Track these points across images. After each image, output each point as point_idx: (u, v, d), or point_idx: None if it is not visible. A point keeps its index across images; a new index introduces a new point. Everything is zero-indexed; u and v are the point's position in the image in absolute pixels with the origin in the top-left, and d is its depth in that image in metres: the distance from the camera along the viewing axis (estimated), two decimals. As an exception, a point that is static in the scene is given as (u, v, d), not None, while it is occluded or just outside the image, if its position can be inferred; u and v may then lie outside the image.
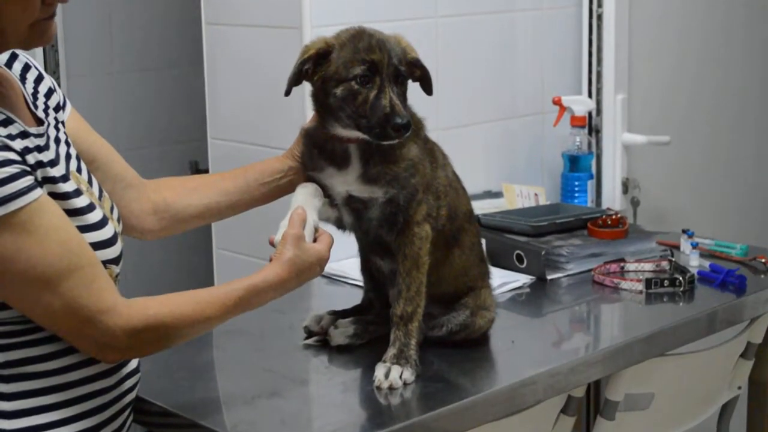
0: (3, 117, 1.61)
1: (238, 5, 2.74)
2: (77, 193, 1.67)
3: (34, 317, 1.61)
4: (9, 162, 1.53)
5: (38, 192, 1.56)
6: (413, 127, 1.91)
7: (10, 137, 1.57)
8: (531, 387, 1.96)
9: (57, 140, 1.75)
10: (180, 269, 3.64)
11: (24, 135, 1.62)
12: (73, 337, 1.63)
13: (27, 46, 1.66)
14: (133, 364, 1.80)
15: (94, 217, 1.68)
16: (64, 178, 1.66)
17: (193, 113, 3.50)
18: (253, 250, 2.74)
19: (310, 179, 1.97)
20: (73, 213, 1.64)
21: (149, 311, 1.65)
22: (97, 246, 1.66)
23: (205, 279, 2.99)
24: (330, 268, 2.54)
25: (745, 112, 3.66)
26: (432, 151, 2.01)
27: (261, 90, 2.73)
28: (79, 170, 1.76)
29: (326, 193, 1.95)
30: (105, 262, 1.66)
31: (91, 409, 1.68)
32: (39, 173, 1.60)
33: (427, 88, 1.96)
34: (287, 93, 1.95)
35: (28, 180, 1.55)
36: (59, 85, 3.64)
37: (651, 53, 3.27)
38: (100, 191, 1.80)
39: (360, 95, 1.86)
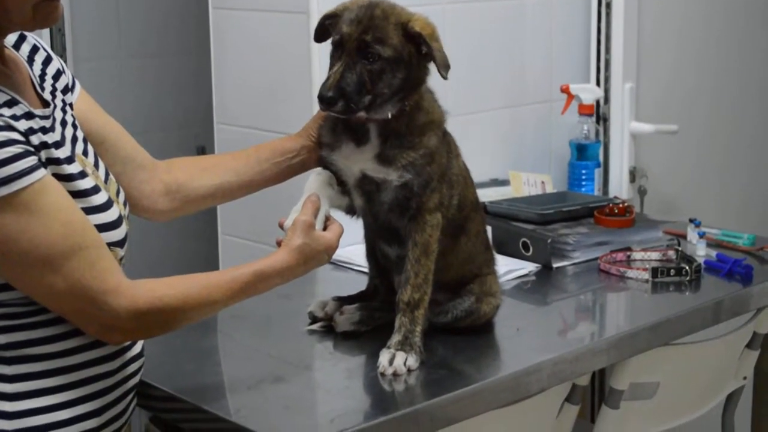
0: (8, 98, 1.60)
1: (245, -11, 2.74)
2: (82, 174, 1.67)
3: (38, 298, 1.60)
4: (12, 142, 1.52)
5: (42, 172, 1.56)
6: (431, 118, 1.92)
7: (14, 118, 1.57)
8: (535, 375, 1.96)
9: (63, 122, 1.75)
10: (185, 255, 3.64)
11: (29, 116, 1.62)
12: (77, 318, 1.62)
13: (32, 27, 1.66)
14: (137, 348, 1.80)
15: (98, 199, 1.68)
16: (69, 159, 1.66)
17: (199, 98, 3.50)
18: (257, 235, 2.74)
19: (322, 160, 1.97)
20: (77, 195, 1.63)
21: (155, 293, 1.64)
22: (102, 228, 1.65)
23: (210, 264, 2.98)
24: (336, 254, 2.55)
25: (752, 101, 3.65)
26: (449, 142, 2.00)
27: (267, 75, 2.73)
28: (85, 153, 1.75)
29: (339, 179, 1.95)
30: (109, 245, 1.66)
31: (93, 392, 1.68)
32: (43, 154, 1.60)
33: (438, 70, 1.90)
34: (316, 40, 1.98)
35: (31, 160, 1.54)
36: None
37: (659, 42, 3.26)
38: (107, 174, 1.79)
39: (331, 65, 1.87)
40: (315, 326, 2.11)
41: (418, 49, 1.89)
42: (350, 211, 2.01)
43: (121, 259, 1.72)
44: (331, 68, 1.86)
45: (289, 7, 2.62)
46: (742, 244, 2.63)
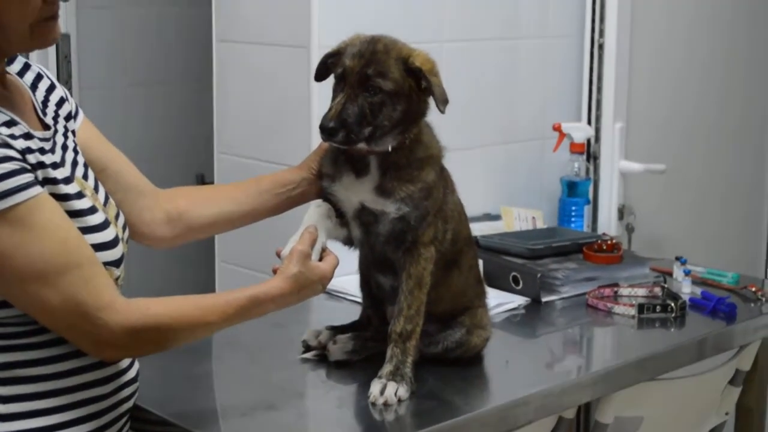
0: (7, 118, 1.60)
1: (249, 23, 2.75)
2: (79, 195, 1.67)
3: (33, 313, 1.59)
4: (8, 159, 1.52)
5: (37, 189, 1.55)
6: (430, 153, 1.93)
7: (12, 137, 1.57)
8: (522, 408, 1.95)
9: (64, 147, 1.75)
10: (182, 281, 3.62)
11: (28, 136, 1.62)
12: (71, 334, 1.61)
13: (30, 47, 1.66)
14: (132, 373, 1.79)
15: (95, 219, 1.67)
16: (67, 180, 1.65)
17: (200, 127, 3.50)
18: (254, 263, 2.73)
19: (322, 192, 1.97)
20: (74, 214, 1.63)
21: (149, 311, 1.63)
22: (98, 247, 1.65)
23: (207, 291, 2.97)
24: (330, 283, 2.54)
25: (739, 142, 3.66)
26: (446, 178, 2.01)
27: (268, 107, 2.73)
28: (85, 177, 1.75)
29: (338, 211, 1.94)
30: (105, 264, 1.65)
31: (87, 415, 1.67)
32: (40, 173, 1.59)
33: (436, 104, 1.89)
34: (317, 79, 1.98)
35: (27, 177, 1.54)
36: (71, 94, 3.68)
37: (650, 83, 3.27)
38: (106, 198, 1.79)
39: (333, 97, 1.87)
40: (308, 355, 2.10)
41: (418, 84, 1.89)
42: (348, 242, 2.00)
43: (117, 279, 1.71)
44: (333, 100, 1.87)
45: (290, 42, 2.63)
46: (727, 283, 2.63)
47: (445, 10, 2.84)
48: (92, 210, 1.68)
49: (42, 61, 3.47)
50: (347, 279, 2.36)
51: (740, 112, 3.64)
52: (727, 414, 2.55)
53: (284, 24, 2.65)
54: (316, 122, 1.87)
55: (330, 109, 1.84)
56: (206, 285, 3.02)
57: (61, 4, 1.65)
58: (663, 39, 3.31)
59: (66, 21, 3.62)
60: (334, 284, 2.45)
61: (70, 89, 3.60)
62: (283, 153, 2.60)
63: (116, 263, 1.71)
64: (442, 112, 1.90)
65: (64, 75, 3.61)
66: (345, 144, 1.85)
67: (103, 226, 1.69)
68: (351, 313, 2.20)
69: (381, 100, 1.85)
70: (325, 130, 1.83)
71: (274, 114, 2.71)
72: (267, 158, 2.71)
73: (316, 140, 1.95)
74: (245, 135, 2.81)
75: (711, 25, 3.47)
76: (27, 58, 3.36)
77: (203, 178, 3.95)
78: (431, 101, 1.91)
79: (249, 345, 2.17)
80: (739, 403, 2.57)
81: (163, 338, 1.67)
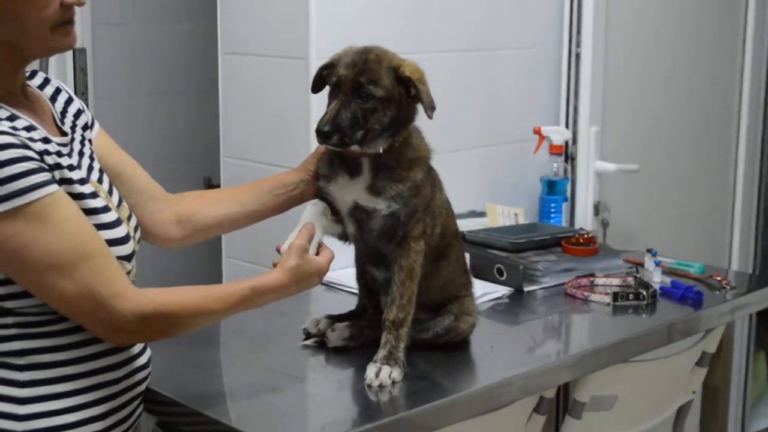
0: (27, 124, 1.62)
1: (252, 37, 2.75)
2: (93, 195, 1.68)
3: (50, 302, 1.60)
4: (27, 158, 1.54)
5: (54, 187, 1.57)
6: (418, 155, 1.93)
7: (32, 140, 1.58)
8: (506, 388, 1.96)
9: (81, 153, 1.76)
10: (192, 275, 3.62)
11: (46, 140, 1.63)
12: (87, 321, 1.62)
13: (50, 50, 1.67)
14: (144, 359, 1.80)
15: (108, 217, 1.68)
16: (82, 181, 1.67)
17: (207, 134, 3.51)
18: (258, 258, 2.73)
19: (319, 192, 1.98)
20: (88, 212, 1.64)
21: (159, 299, 1.65)
22: (111, 243, 1.66)
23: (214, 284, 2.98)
24: (328, 276, 2.53)
25: (705, 142, 3.66)
26: (434, 177, 2.02)
27: (270, 114, 2.74)
28: (100, 180, 1.77)
29: (333, 209, 1.96)
30: (118, 258, 1.66)
31: (100, 398, 1.68)
32: (56, 174, 1.61)
33: (424, 109, 1.90)
34: (313, 90, 1.99)
35: (44, 176, 1.55)
36: (87, 106, 3.69)
37: (624, 90, 3.27)
38: (120, 201, 1.80)
39: (329, 103, 1.89)
40: (309, 341, 2.11)
41: (408, 91, 1.90)
42: (343, 237, 2.01)
43: (129, 273, 1.72)
44: (328, 106, 1.88)
45: (290, 54, 2.63)
46: (694, 272, 2.64)
47: (434, 22, 2.85)
48: (105, 209, 1.70)
49: (60, 73, 3.48)
50: (344, 272, 2.37)
51: (705, 115, 3.64)
52: (694, 392, 2.56)
53: (284, 37, 2.65)
54: (314, 128, 1.88)
55: (325, 114, 1.86)
56: (214, 279, 3.02)
57: (77, 15, 1.67)
58: (635, 48, 3.32)
59: (82, 36, 3.62)
60: (332, 276, 2.48)
61: (86, 99, 3.60)
62: (284, 156, 2.60)
63: (127, 258, 1.72)
64: (430, 117, 1.91)
65: (81, 86, 3.61)
66: (339, 146, 1.86)
67: (115, 224, 1.70)
68: (348, 303, 2.21)
69: (372, 105, 1.86)
70: (321, 134, 1.84)
71: (276, 120, 2.72)
72: (269, 161, 2.72)
73: (314, 144, 1.96)
74: (249, 140, 2.82)
75: (679, 35, 3.47)
76: (47, 70, 3.40)
77: (210, 181, 3.95)
78: (419, 107, 1.92)
79: (254, 333, 2.18)
80: (705, 383, 2.58)
81: (171, 325, 1.68)
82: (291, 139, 2.67)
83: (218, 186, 3.04)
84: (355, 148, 1.88)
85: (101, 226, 1.66)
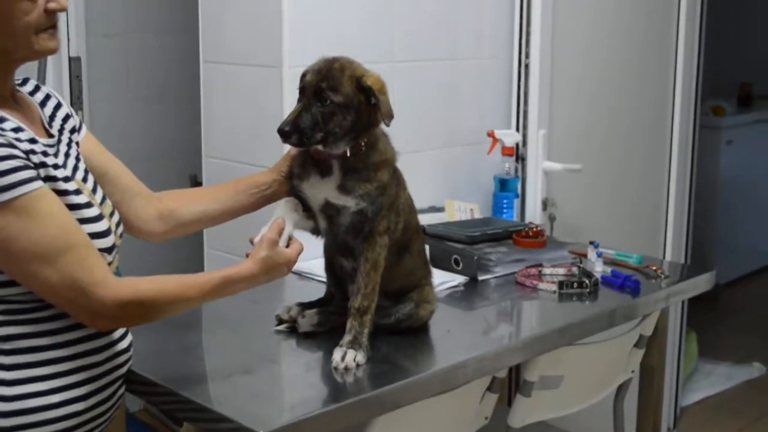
0: (15, 125, 1.57)
1: (230, 47, 2.68)
2: (77, 192, 1.62)
3: (35, 289, 1.54)
4: (13, 156, 1.49)
5: (39, 183, 1.52)
6: (384, 158, 1.89)
7: (18, 140, 1.53)
8: (462, 369, 1.91)
9: (67, 154, 1.71)
10: (176, 265, 3.55)
11: (32, 141, 1.58)
12: (70, 307, 1.56)
13: (36, 54, 1.61)
14: (125, 343, 1.74)
15: (90, 212, 1.63)
16: (66, 179, 1.61)
17: (193, 135, 3.44)
18: (237, 250, 2.64)
19: (293, 191, 1.92)
20: (71, 207, 1.59)
21: (137, 287, 1.59)
22: (93, 236, 1.60)
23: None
24: (300, 266, 2.48)
25: (643, 145, 3.64)
26: (399, 177, 1.96)
27: (247, 117, 2.67)
28: (84, 179, 1.71)
29: (305, 206, 1.90)
30: (99, 250, 1.60)
31: (81, 380, 1.62)
32: (42, 171, 1.55)
33: (382, 118, 1.85)
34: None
35: (30, 173, 1.50)
36: (83, 108, 3.61)
37: (568, 96, 3.24)
38: (104, 198, 1.74)
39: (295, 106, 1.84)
40: (281, 327, 2.05)
41: (368, 99, 1.84)
42: (315, 232, 1.96)
43: (109, 264, 1.66)
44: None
45: (265, 62, 2.56)
46: (632, 263, 2.61)
47: (400, 34, 2.79)
48: (88, 205, 1.64)
49: (57, 80, 3.41)
50: (314, 262, 2.31)
51: (641, 117, 3.60)
52: (632, 372, 2.53)
53: (260, 47, 2.58)
54: (285, 131, 1.81)
55: (288, 116, 1.81)
56: (196, 269, 2.95)
57: (72, 26, 1.62)
58: (579, 58, 3.28)
59: (78, 46, 3.56)
60: (303, 267, 2.44)
61: (81, 104, 3.54)
62: (259, 156, 2.54)
63: (108, 250, 1.66)
64: (387, 125, 1.87)
65: (76, 92, 3.54)
66: (298, 145, 1.83)
67: (97, 218, 1.65)
68: (318, 292, 2.15)
69: (331, 110, 1.81)
70: (282, 133, 1.80)
71: (252, 124, 2.65)
72: (247, 161, 2.65)
73: (287, 147, 1.90)
74: (228, 141, 2.75)
75: (615, 45, 3.44)
76: (45, 76, 3.31)
77: (196, 178, 3.88)
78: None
79: (231, 319, 2.12)
80: (643, 363, 2.54)
81: (149, 311, 1.62)
82: (266, 141, 2.60)
83: (202, 183, 2.97)
84: (319, 147, 1.83)
85: (84, 221, 1.61)
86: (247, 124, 2.68)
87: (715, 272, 2.64)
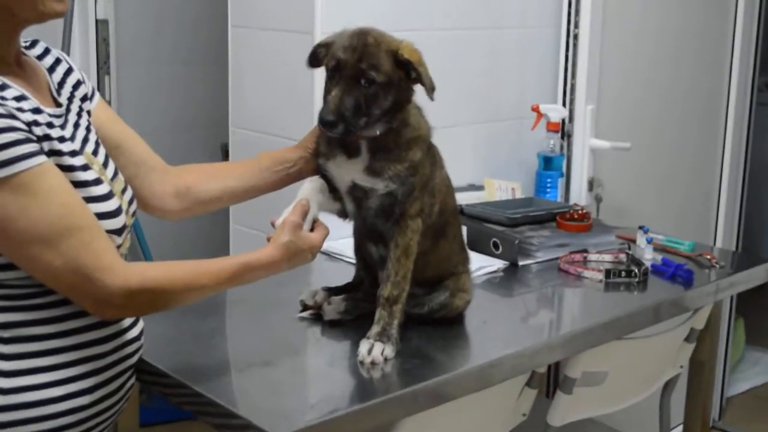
0: (18, 93, 1.43)
1: (260, 11, 2.54)
2: (84, 168, 1.49)
3: (36, 275, 1.42)
4: (13, 129, 1.35)
5: (42, 158, 1.38)
6: (417, 134, 1.73)
7: (21, 110, 1.39)
8: (498, 367, 1.76)
9: (76, 125, 1.57)
10: (199, 241, 3.46)
11: (36, 111, 1.44)
12: (73, 294, 1.43)
13: (42, 15, 1.48)
14: (135, 332, 1.61)
15: (99, 190, 1.49)
16: (73, 153, 1.47)
17: (224, 103, 3.34)
18: (264, 226, 2.51)
19: (319, 170, 1.77)
20: (78, 185, 1.45)
21: (146, 274, 1.46)
22: (101, 216, 1.47)
23: (222, 251, 2.80)
24: (329, 246, 2.37)
25: (696, 122, 3.47)
26: (434, 155, 1.81)
27: (277, 86, 2.54)
28: (95, 153, 1.57)
29: (332, 186, 1.76)
30: (107, 232, 1.47)
31: (86, 372, 1.49)
32: (45, 145, 1.42)
33: (426, 92, 1.70)
34: (312, 65, 1.75)
35: (32, 147, 1.37)
36: (110, 73, 3.50)
37: (618, 70, 3.08)
38: (115, 174, 1.61)
39: (326, 87, 1.67)
40: (305, 314, 1.92)
41: (407, 74, 1.69)
42: (342, 214, 1.81)
43: (118, 247, 1.53)
44: (327, 92, 1.66)
45: (296, 28, 2.42)
46: (684, 250, 2.44)
47: (437, 1, 2.62)
48: (97, 182, 1.50)
49: (83, 43, 3.30)
50: (345, 242, 2.16)
51: (694, 93, 3.43)
52: (681, 367, 2.37)
53: (291, 11, 2.43)
54: (317, 100, 1.69)
55: (328, 102, 1.64)
56: (221, 245, 2.85)
57: None
58: (631, 30, 3.11)
59: (105, 8, 3.44)
60: (333, 246, 2.31)
61: (108, 69, 3.43)
62: (290, 128, 2.40)
63: (118, 232, 1.52)
64: (432, 99, 1.70)
65: (103, 56, 3.43)
66: (344, 135, 1.66)
67: (106, 197, 1.51)
68: (347, 274, 2.01)
69: (374, 92, 1.65)
70: (326, 123, 1.63)
71: (283, 92, 2.52)
72: (276, 133, 2.52)
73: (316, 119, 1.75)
74: (257, 112, 2.61)
75: (671, 16, 3.27)
76: (69, 41, 3.19)
77: (227, 147, 3.76)
78: (416, 87, 1.72)
79: (253, 302, 1.98)
80: (692, 358, 2.38)
81: (158, 300, 1.49)
82: (296, 112, 2.46)
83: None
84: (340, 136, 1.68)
85: (91, 199, 1.47)
86: (276, 94, 2.54)
87: (769, 260, 2.47)
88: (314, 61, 1.74)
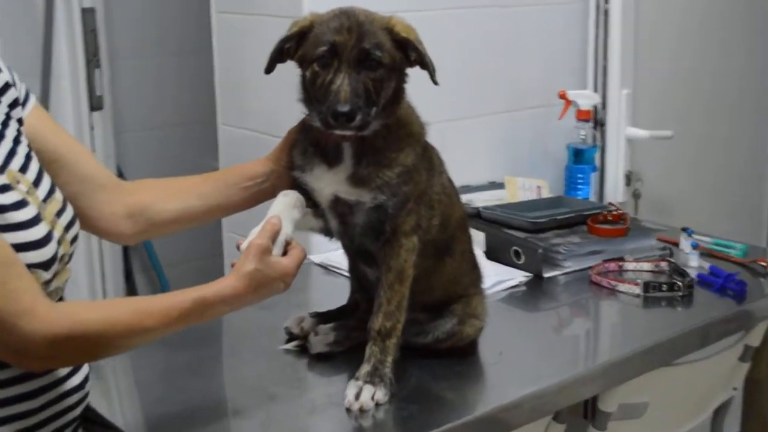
0: None
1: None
2: (4, 189, 1.25)
3: None
4: None
5: None
6: (409, 131, 1.48)
7: None
8: (515, 411, 1.50)
9: (1, 136, 1.32)
10: (191, 250, 3.26)
11: None
12: None
13: None
14: (76, 380, 1.37)
15: (21, 215, 1.26)
16: None
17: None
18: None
19: (294, 183, 1.52)
20: None
21: (76, 317, 1.23)
22: (22, 247, 1.24)
23: (214, 259, 2.58)
24: (325, 258, 2.12)
25: (746, 107, 3.23)
26: (430, 158, 1.55)
27: (268, 77, 2.27)
28: (23, 169, 1.33)
29: (312, 201, 1.50)
30: (30, 265, 1.24)
31: None
32: None
33: (430, 75, 1.46)
34: (267, 71, 1.49)
35: None
36: (100, 66, 3.25)
37: (656, 49, 2.83)
38: (49, 194, 1.35)
39: (319, 78, 1.41)
40: (289, 345, 1.68)
41: (406, 56, 1.44)
42: (326, 232, 1.56)
43: (48, 282, 1.28)
44: (325, 82, 1.40)
45: (283, 12, 2.17)
46: (735, 255, 2.16)
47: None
48: (19, 205, 1.26)
49: (68, 35, 3.05)
50: (342, 253, 1.91)
51: (742, 76, 3.18)
52: (735, 389, 2.10)
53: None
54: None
55: (338, 92, 1.38)
56: (214, 254, 2.61)
57: None
58: (668, 4, 2.87)
59: (93, -5, 3.21)
60: (330, 259, 2.07)
61: (98, 62, 3.18)
62: (284, 125, 2.11)
63: (44, 265, 1.27)
64: (437, 83, 1.45)
65: (92, 48, 3.18)
66: (360, 130, 1.40)
67: (31, 222, 1.27)
68: (345, 291, 1.76)
69: (382, 75, 1.41)
70: (343, 115, 1.37)
71: (274, 85, 2.25)
72: (268, 131, 2.27)
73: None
74: (246, 107, 2.37)
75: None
76: (51, 32, 2.94)
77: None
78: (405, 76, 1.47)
79: (233, 331, 1.76)
80: (748, 377, 2.10)
81: (93, 347, 1.26)
82: (289, 107, 2.20)
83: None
84: (347, 132, 1.41)
85: (10, 227, 1.24)
86: (267, 87, 2.28)
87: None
88: (277, 62, 1.49)
